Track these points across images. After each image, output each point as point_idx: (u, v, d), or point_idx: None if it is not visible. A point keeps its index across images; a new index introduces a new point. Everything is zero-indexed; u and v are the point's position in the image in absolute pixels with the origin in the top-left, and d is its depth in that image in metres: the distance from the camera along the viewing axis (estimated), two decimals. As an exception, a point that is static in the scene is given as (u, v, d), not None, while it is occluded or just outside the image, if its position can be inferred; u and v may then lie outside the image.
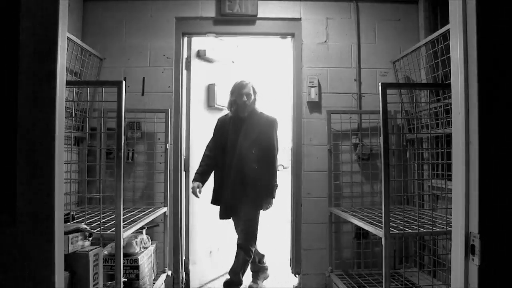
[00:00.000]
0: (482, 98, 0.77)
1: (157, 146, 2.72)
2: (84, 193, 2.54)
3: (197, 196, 2.56)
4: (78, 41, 2.37)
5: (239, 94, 2.54)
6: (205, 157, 2.65)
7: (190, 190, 2.66)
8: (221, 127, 2.64)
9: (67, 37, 2.03)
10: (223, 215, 2.57)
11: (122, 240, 1.78)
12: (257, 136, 2.51)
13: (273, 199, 2.54)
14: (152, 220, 2.40)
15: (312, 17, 2.82)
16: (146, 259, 2.23)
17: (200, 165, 2.64)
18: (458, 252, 0.82)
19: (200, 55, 2.95)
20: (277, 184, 2.53)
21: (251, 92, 2.57)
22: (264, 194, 2.50)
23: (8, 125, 0.72)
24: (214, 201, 2.60)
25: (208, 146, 2.68)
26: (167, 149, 2.66)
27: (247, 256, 2.51)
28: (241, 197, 2.49)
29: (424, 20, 2.75)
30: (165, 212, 2.59)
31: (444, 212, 2.09)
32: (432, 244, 2.47)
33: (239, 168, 2.49)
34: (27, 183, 0.74)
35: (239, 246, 2.53)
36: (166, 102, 2.73)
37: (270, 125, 2.57)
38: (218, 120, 2.71)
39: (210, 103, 3.10)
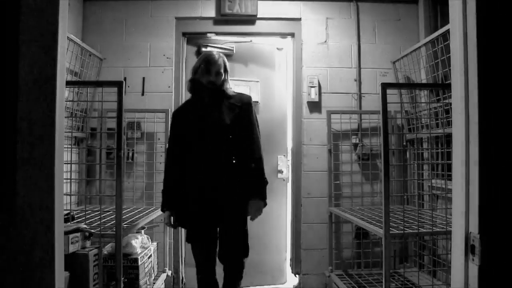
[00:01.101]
0: (482, 98, 0.77)
1: (157, 146, 2.72)
2: (84, 193, 2.54)
3: (173, 227, 1.99)
4: (78, 41, 2.37)
5: (206, 72, 1.89)
6: (169, 168, 1.95)
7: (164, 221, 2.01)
8: (181, 120, 1.96)
9: (67, 37, 2.04)
10: (199, 237, 1.90)
11: (122, 240, 1.78)
12: (232, 122, 1.87)
13: (264, 203, 1.90)
14: (152, 220, 2.40)
15: (312, 17, 2.82)
16: (146, 259, 2.23)
17: (166, 181, 1.95)
18: (458, 252, 0.82)
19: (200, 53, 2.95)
20: (266, 180, 1.91)
21: (222, 70, 1.92)
22: (250, 197, 1.87)
23: (8, 125, 0.72)
24: (181, 220, 1.91)
25: (169, 153, 1.98)
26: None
27: (241, 274, 1.98)
28: (219, 208, 1.83)
29: (424, 20, 2.75)
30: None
31: (444, 212, 2.08)
32: (432, 244, 2.47)
33: (212, 168, 1.84)
34: (27, 183, 0.74)
35: (229, 261, 1.94)
36: (166, 102, 2.73)
37: (247, 108, 1.94)
38: (173, 115, 2.02)
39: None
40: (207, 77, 1.89)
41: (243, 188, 1.87)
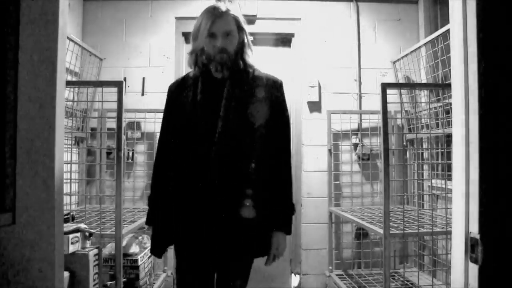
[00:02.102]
0: (482, 97, 0.77)
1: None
2: (84, 193, 2.54)
3: (157, 256, 1.37)
4: (78, 41, 2.37)
5: (209, 34, 1.28)
6: (158, 168, 1.40)
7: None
8: (178, 102, 1.36)
9: (67, 37, 2.04)
10: (198, 275, 1.33)
11: (122, 240, 1.79)
12: (253, 118, 1.29)
13: (285, 240, 1.35)
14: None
15: (312, 17, 2.82)
16: (146, 259, 2.23)
17: (153, 185, 1.40)
18: (458, 252, 0.82)
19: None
20: (294, 207, 1.38)
21: (234, 27, 1.31)
22: (269, 228, 1.32)
23: (8, 125, 0.72)
24: (161, 246, 1.34)
25: (160, 146, 1.41)
26: (167, 149, 2.66)
27: None
28: (226, 233, 1.24)
29: (424, 20, 2.75)
30: (165, 212, 2.59)
31: (444, 212, 2.09)
32: (432, 244, 2.47)
33: (223, 172, 1.24)
34: (27, 183, 0.74)
35: None
36: (166, 102, 2.73)
37: (278, 98, 1.35)
38: (169, 90, 1.44)
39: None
40: (212, 43, 1.28)
41: (261, 215, 1.28)
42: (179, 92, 1.37)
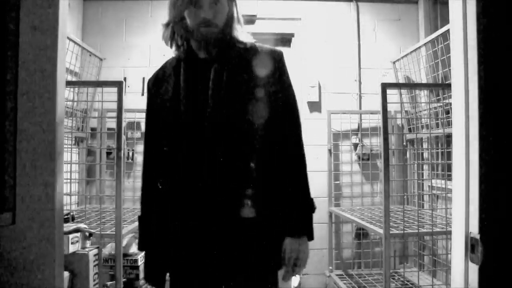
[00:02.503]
0: (482, 98, 0.77)
1: (157, 146, 2.72)
2: (84, 193, 2.54)
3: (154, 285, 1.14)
4: (78, 41, 2.37)
5: (192, 2, 1.05)
6: (147, 177, 1.22)
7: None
8: (160, 97, 1.12)
9: (67, 37, 2.04)
10: None
11: (122, 240, 1.79)
12: (252, 99, 1.05)
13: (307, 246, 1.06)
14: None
15: (312, 17, 2.82)
16: (146, 259, 2.23)
17: (144, 199, 1.22)
18: (458, 252, 0.82)
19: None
20: (314, 203, 1.08)
21: None
22: (283, 233, 1.05)
23: (8, 125, 0.72)
24: (157, 272, 1.12)
25: (146, 153, 1.21)
26: (167, 149, 2.66)
27: None
28: (226, 252, 1.01)
29: (424, 20, 2.76)
30: (165, 212, 2.59)
31: (444, 212, 2.09)
32: (432, 244, 2.47)
33: (220, 177, 1.01)
34: (26, 183, 0.74)
35: None
36: (166, 102, 2.73)
37: (279, 70, 1.11)
38: (148, 86, 1.20)
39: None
40: (195, 12, 1.04)
41: (270, 216, 1.03)
42: (159, 86, 1.13)
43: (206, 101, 1.02)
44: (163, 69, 1.19)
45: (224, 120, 1.02)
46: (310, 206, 1.07)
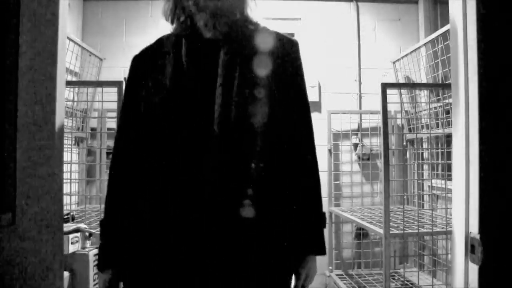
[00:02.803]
0: (482, 98, 0.77)
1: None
2: (84, 193, 2.54)
3: None
4: (78, 41, 2.37)
5: None
6: (115, 179, 0.94)
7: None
8: (153, 79, 0.89)
9: (67, 37, 2.04)
10: None
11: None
12: (264, 86, 0.87)
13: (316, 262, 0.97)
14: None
15: (312, 17, 2.82)
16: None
17: (109, 205, 0.93)
18: (458, 252, 0.82)
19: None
20: (325, 216, 0.99)
21: None
22: (292, 249, 0.92)
23: (8, 125, 0.72)
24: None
25: (117, 146, 0.99)
26: (167, 149, 2.66)
27: None
28: (235, 257, 0.83)
29: (424, 20, 2.76)
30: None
31: (444, 212, 2.09)
32: (432, 244, 2.47)
33: (212, 193, 0.81)
34: (26, 183, 0.74)
35: None
36: (166, 102, 2.73)
37: (294, 65, 0.95)
38: (135, 63, 0.96)
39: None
40: None
41: (278, 231, 0.89)
42: (152, 68, 0.90)
43: (213, 94, 0.84)
44: (157, 47, 0.95)
45: (235, 113, 0.83)
46: (323, 222, 0.97)
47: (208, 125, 0.82)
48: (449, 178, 2.13)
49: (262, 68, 0.88)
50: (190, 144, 0.84)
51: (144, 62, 0.93)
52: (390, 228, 1.77)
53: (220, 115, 0.82)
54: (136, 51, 0.97)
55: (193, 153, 0.83)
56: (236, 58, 0.87)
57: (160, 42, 0.95)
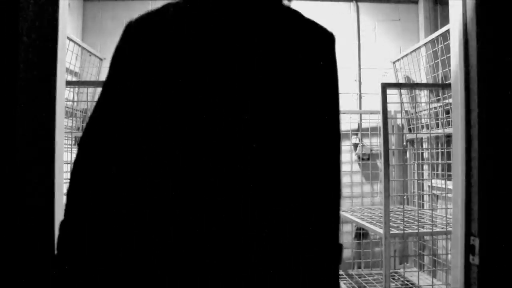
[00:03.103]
0: (482, 98, 0.77)
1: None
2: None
3: None
4: (78, 41, 2.37)
5: None
6: (79, 198, 0.64)
7: None
8: (156, 54, 0.70)
9: (67, 37, 2.04)
10: None
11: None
12: (301, 91, 0.62)
13: None
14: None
15: (312, 17, 2.82)
16: (146, 259, 2.23)
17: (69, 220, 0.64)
18: (458, 252, 0.82)
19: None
20: (341, 244, 0.66)
21: None
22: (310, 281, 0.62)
23: (8, 125, 0.72)
24: None
25: (85, 155, 0.64)
26: (167, 149, 2.66)
27: None
28: None
29: (424, 20, 2.76)
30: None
31: (444, 212, 2.09)
32: (432, 244, 2.47)
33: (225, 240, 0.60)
34: (26, 183, 0.74)
35: None
36: (166, 102, 2.73)
37: (328, 69, 0.66)
38: (138, 34, 0.76)
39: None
40: None
41: (294, 263, 0.64)
42: (154, 47, 0.70)
43: (237, 90, 0.62)
44: (160, 22, 0.73)
45: (264, 131, 0.61)
46: (339, 252, 0.69)
47: (230, 151, 0.62)
48: (449, 178, 2.13)
49: (296, 70, 0.64)
50: (204, 179, 0.62)
51: (144, 40, 0.72)
52: (390, 228, 1.77)
53: (244, 139, 0.61)
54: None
55: (210, 191, 0.62)
56: (264, 53, 0.64)
57: (164, 17, 0.74)
